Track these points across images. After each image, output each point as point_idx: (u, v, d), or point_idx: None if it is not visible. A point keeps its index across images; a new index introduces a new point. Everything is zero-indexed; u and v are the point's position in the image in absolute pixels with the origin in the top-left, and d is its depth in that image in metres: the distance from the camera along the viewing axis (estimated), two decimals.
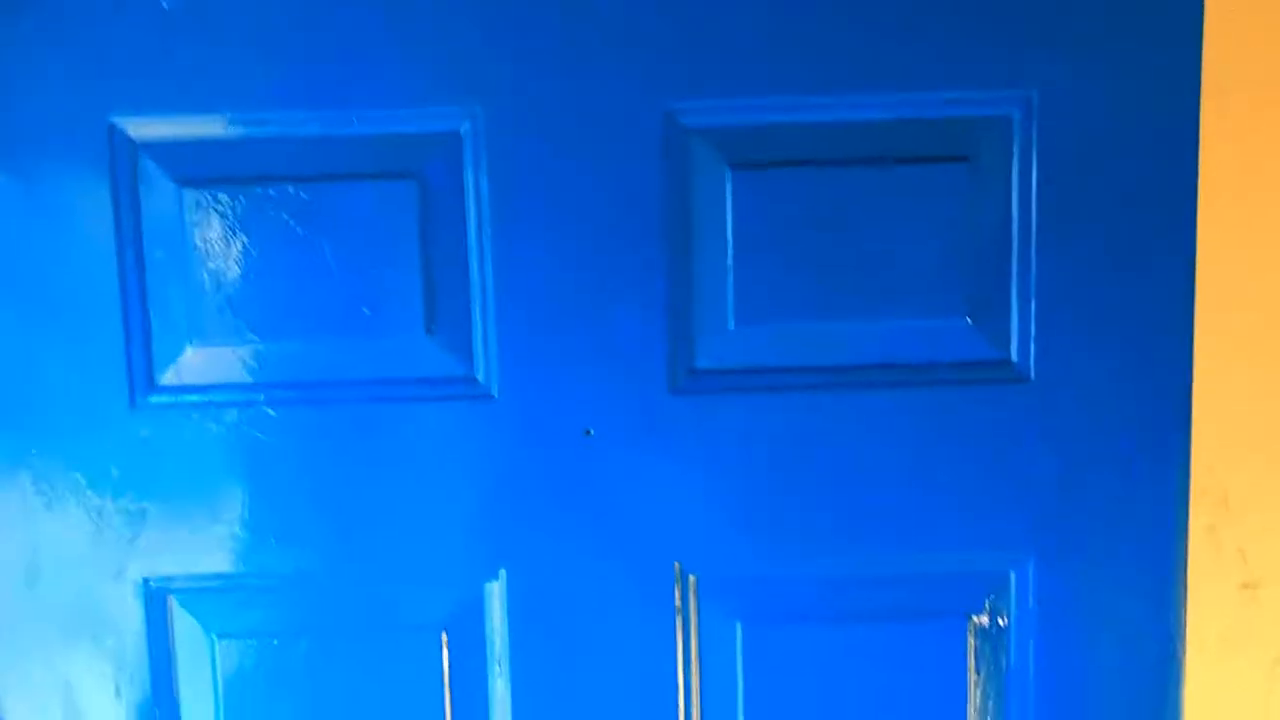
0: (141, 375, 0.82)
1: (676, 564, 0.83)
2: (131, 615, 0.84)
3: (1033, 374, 0.82)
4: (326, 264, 0.81)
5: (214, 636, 0.85)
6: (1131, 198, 0.80)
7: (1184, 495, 0.85)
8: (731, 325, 0.82)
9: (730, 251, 0.81)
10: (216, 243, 0.81)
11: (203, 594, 0.84)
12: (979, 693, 0.85)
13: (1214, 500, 0.93)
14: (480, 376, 0.82)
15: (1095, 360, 0.82)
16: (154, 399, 0.82)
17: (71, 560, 0.83)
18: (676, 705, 0.84)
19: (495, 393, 0.82)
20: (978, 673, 0.85)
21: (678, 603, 0.84)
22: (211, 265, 0.81)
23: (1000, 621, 0.85)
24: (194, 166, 0.80)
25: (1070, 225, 0.80)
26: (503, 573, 0.83)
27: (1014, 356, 0.82)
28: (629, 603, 0.83)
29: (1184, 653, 0.86)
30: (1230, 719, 0.93)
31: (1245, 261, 0.86)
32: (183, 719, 0.85)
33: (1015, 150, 0.80)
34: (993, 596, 0.84)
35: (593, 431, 0.82)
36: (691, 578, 0.84)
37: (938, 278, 0.81)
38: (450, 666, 0.85)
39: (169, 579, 0.84)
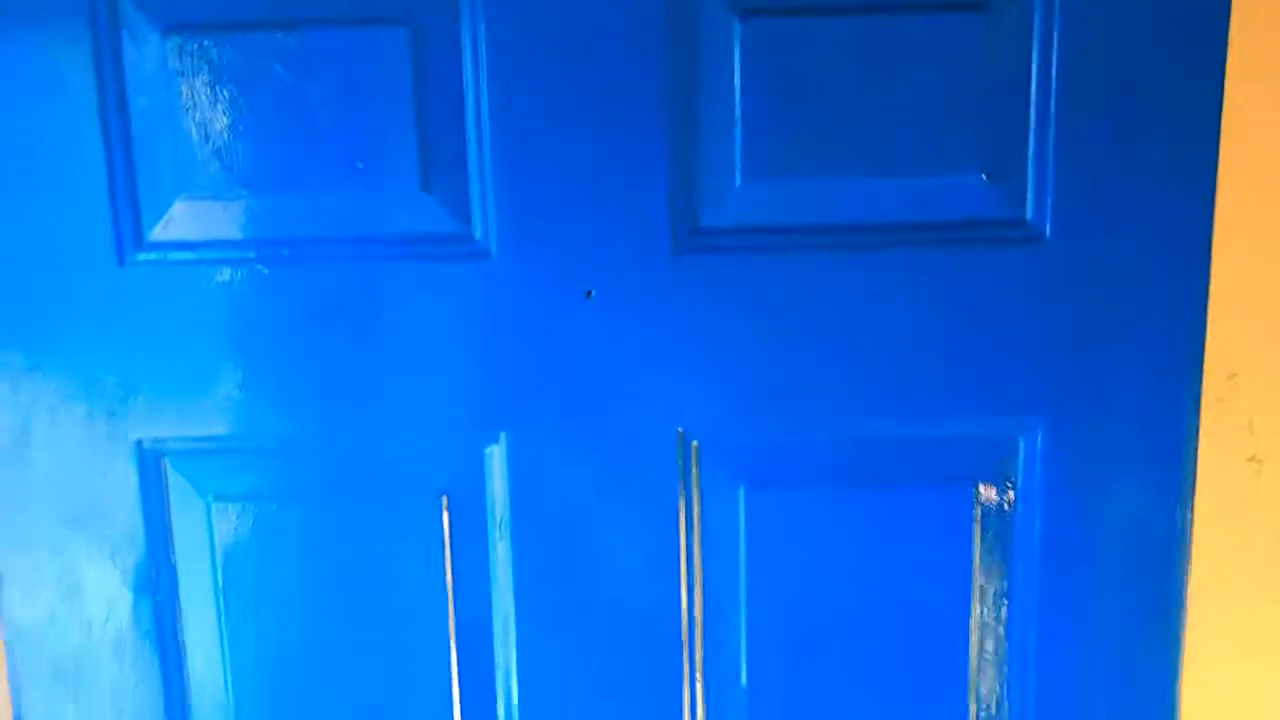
0: (129, 231, 0.79)
1: (679, 429, 0.82)
2: (125, 479, 0.82)
3: (1048, 235, 0.79)
4: (317, 115, 0.78)
5: (209, 500, 0.83)
6: (1157, 51, 0.77)
7: (1197, 366, 0.83)
8: (738, 182, 0.79)
9: (737, 104, 0.78)
10: (203, 92, 0.77)
11: (197, 457, 0.83)
12: (983, 560, 0.84)
13: (1223, 373, 0.92)
14: (478, 234, 0.80)
15: (1113, 224, 0.80)
16: (143, 256, 0.80)
17: (62, 424, 0.82)
18: (678, 570, 0.83)
19: (493, 251, 0.79)
20: (982, 540, 0.84)
21: (680, 468, 0.82)
22: (198, 116, 0.78)
23: (1007, 489, 0.83)
24: (178, 11, 0.77)
25: (1093, 79, 0.77)
26: (503, 436, 0.82)
27: (1030, 216, 0.80)
28: (631, 467, 0.82)
29: (1191, 525, 0.85)
30: (1236, 592, 0.93)
31: (1274, 127, 0.83)
32: (180, 584, 0.85)
33: None
34: (1000, 463, 0.83)
35: (594, 293, 0.80)
36: (694, 443, 0.82)
37: (953, 133, 0.78)
38: (451, 531, 0.84)
39: (162, 441, 0.82)
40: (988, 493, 0.83)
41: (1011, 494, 0.84)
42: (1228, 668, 0.93)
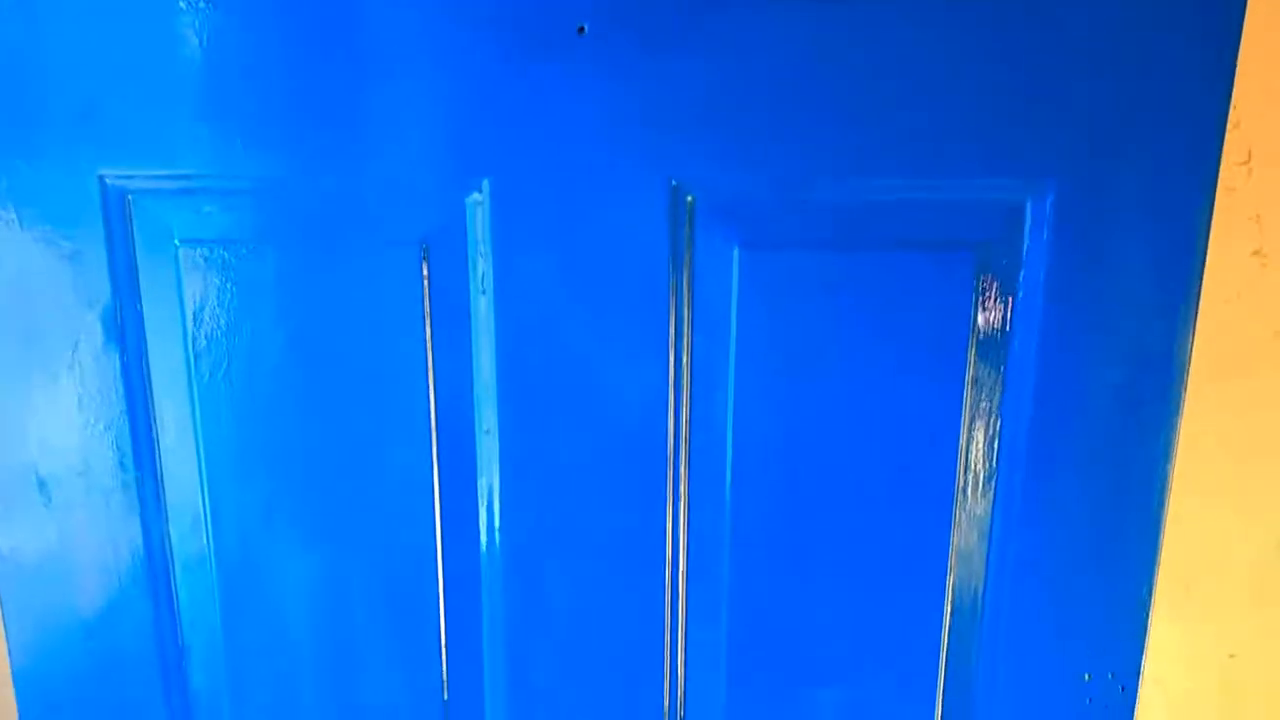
0: None
1: (673, 181, 0.78)
2: (88, 216, 0.78)
3: None
4: None
5: (177, 243, 0.79)
6: None
7: (1217, 142, 0.79)
8: None
9: None
10: None
11: (163, 195, 0.78)
12: (981, 326, 0.82)
13: (1236, 161, 0.88)
14: None
15: None
16: None
17: (19, 151, 0.77)
18: (668, 329, 0.81)
19: None
20: (982, 309, 0.81)
21: (672, 223, 0.79)
22: None
23: (1011, 254, 0.80)
24: None
25: None
26: (486, 184, 0.78)
27: None
28: (621, 222, 0.78)
29: (1196, 311, 0.83)
30: (1234, 388, 0.91)
31: None
32: (147, 330, 0.81)
33: None
34: (1005, 228, 0.80)
35: (586, 28, 0.75)
36: (689, 197, 0.78)
37: None
38: (430, 283, 0.80)
39: (127, 178, 0.78)
40: (990, 257, 0.80)
41: (1016, 259, 0.80)
42: (1221, 462, 0.92)
